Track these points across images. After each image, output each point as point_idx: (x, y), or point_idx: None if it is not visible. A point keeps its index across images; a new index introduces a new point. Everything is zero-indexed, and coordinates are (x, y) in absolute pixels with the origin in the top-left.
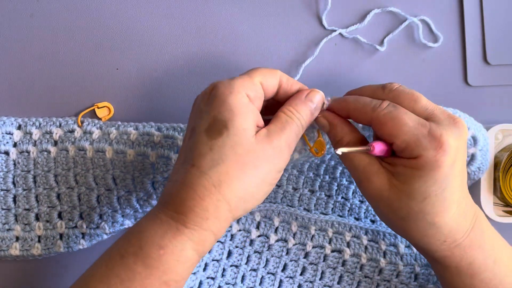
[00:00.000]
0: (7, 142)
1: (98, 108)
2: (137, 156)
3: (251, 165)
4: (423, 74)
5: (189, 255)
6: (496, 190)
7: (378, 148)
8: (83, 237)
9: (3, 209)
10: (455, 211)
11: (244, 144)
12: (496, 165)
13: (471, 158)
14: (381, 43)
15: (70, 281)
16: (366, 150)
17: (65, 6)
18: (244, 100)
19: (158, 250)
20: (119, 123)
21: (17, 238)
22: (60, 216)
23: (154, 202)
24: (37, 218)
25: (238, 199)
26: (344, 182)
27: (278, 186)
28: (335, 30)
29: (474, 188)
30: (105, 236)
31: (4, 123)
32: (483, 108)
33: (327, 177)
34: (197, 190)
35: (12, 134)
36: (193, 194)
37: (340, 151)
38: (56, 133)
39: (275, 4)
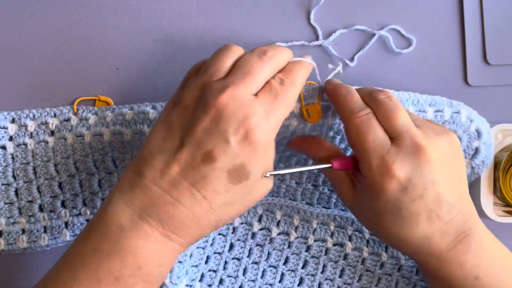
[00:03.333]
0: (3, 137)
1: (99, 100)
2: (134, 135)
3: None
4: (423, 74)
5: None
6: (496, 190)
7: (338, 163)
8: None
9: (6, 203)
10: (423, 228)
11: (253, 193)
12: (496, 165)
13: (475, 152)
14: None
15: None
16: (327, 168)
17: (65, 6)
18: (273, 153)
19: (158, 267)
20: (114, 106)
21: (23, 231)
22: (63, 204)
23: None
24: (41, 209)
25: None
26: None
27: (281, 181)
28: (316, 29)
29: (474, 188)
30: None
31: None
32: (483, 108)
33: None
34: (202, 222)
35: (6, 128)
36: (198, 224)
37: (268, 174)
38: (52, 123)
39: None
